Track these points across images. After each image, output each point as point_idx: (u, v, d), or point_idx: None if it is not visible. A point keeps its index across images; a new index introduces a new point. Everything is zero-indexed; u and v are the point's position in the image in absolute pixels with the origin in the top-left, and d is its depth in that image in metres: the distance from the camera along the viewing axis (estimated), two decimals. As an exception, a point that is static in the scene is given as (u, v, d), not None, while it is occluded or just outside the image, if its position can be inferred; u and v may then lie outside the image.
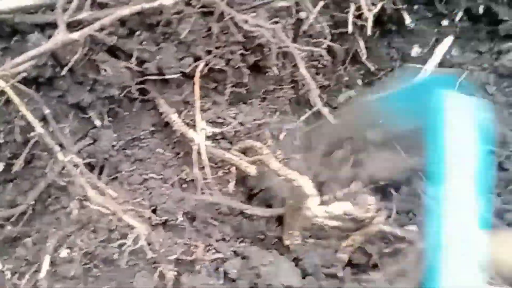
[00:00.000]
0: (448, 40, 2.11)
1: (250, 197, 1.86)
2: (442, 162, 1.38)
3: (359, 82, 2.23)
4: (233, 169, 1.82)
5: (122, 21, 1.56)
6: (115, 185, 1.65)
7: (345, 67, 2.17)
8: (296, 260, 1.67)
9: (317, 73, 2.05)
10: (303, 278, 1.57)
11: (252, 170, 1.76)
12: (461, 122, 1.44)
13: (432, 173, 1.43)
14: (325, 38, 1.84)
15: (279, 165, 1.70)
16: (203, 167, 1.69)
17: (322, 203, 1.58)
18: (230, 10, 1.57)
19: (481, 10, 2.05)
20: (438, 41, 2.13)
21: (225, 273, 1.56)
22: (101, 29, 1.47)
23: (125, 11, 1.37)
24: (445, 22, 2.14)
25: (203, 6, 1.63)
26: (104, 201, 1.43)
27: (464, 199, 1.35)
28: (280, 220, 1.79)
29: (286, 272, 1.53)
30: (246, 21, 1.57)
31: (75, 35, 1.35)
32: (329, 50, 2.02)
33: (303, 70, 1.47)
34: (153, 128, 1.74)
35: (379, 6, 1.89)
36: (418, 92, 1.62)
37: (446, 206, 1.34)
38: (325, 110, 1.41)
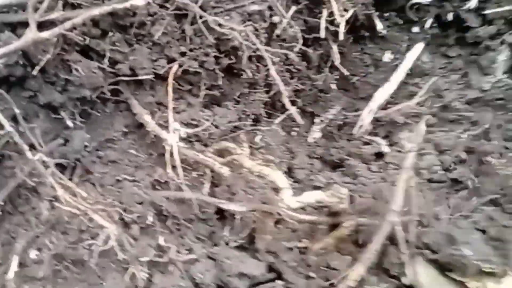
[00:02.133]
0: (419, 46, 2.17)
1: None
2: None
3: (333, 86, 2.27)
4: (208, 171, 1.83)
5: (95, 22, 1.57)
6: (87, 186, 1.65)
7: (320, 71, 2.20)
8: (270, 263, 1.68)
9: (292, 77, 2.08)
10: (268, 272, 1.58)
11: (225, 171, 1.78)
12: None
13: None
14: (298, 43, 1.86)
15: (252, 163, 1.73)
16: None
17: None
18: (203, 13, 1.59)
19: (450, 17, 2.11)
20: (409, 47, 2.19)
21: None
22: (73, 28, 1.48)
23: (95, 11, 1.38)
24: (415, 29, 2.20)
25: (176, 9, 1.66)
26: (74, 201, 1.43)
27: None
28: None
29: (249, 265, 1.55)
30: (218, 24, 1.59)
31: (46, 34, 1.36)
32: (303, 55, 2.06)
33: (272, 71, 1.50)
34: (126, 129, 1.75)
35: (350, 12, 1.94)
36: None
37: None
38: (295, 111, 1.43)
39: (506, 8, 2.03)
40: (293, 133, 2.29)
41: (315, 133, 2.31)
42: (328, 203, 1.59)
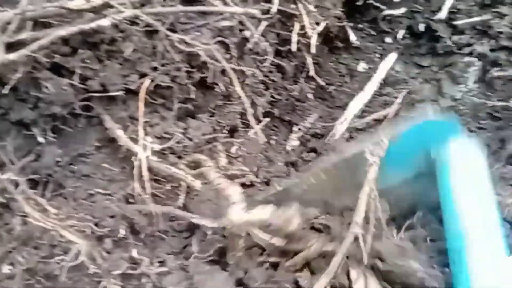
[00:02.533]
0: (392, 56, 2.21)
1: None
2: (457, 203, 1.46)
3: (310, 96, 2.30)
4: (182, 183, 1.86)
5: (65, 40, 1.60)
6: (60, 200, 1.67)
7: (296, 82, 2.23)
8: (239, 279, 1.69)
9: (267, 89, 2.11)
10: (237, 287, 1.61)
11: (197, 184, 1.80)
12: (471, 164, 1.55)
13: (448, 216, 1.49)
14: (269, 56, 1.88)
15: (216, 176, 1.76)
16: (154, 181, 1.74)
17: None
18: (169, 32, 1.61)
19: (421, 28, 2.15)
20: (382, 57, 2.22)
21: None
22: (43, 48, 1.50)
23: (62, 32, 1.40)
24: (388, 39, 2.24)
25: (147, 25, 1.68)
26: (44, 217, 1.46)
27: (489, 230, 1.41)
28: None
29: (218, 280, 1.57)
30: (185, 42, 1.61)
31: (13, 56, 1.38)
32: (278, 66, 2.09)
33: (238, 88, 1.53)
34: (99, 144, 1.76)
35: (322, 25, 1.97)
36: (420, 138, 1.62)
37: (471, 240, 1.39)
38: (258, 129, 1.46)
39: (477, 19, 2.07)
40: (271, 142, 2.32)
41: (293, 141, 2.34)
42: (276, 225, 1.61)
